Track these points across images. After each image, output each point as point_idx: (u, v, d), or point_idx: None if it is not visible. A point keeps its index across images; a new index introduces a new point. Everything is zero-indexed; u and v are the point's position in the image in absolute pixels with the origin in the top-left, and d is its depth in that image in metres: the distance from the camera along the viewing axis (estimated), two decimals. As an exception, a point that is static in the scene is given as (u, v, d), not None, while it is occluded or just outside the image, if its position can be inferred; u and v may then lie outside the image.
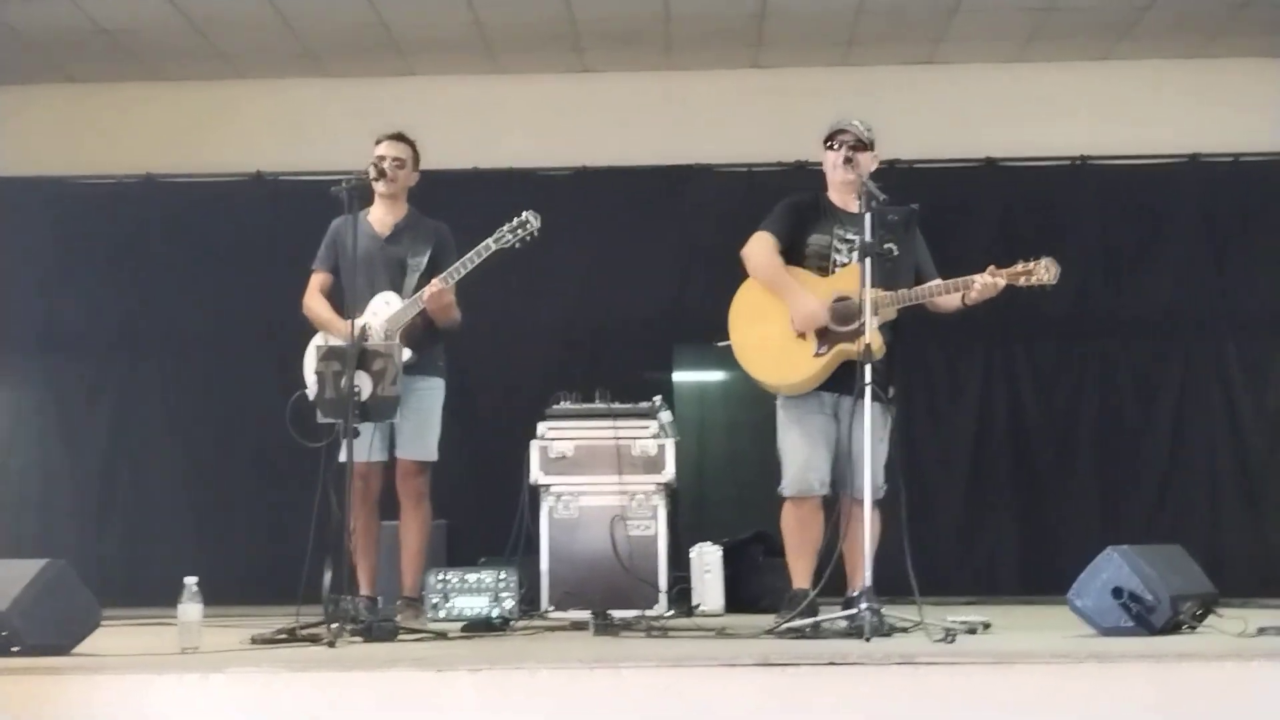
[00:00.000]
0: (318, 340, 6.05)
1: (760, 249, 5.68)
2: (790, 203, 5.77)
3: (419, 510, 6.21)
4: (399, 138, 6.30)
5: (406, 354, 6.02)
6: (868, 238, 5.17)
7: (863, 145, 5.67)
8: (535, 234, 6.04)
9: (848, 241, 5.60)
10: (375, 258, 6.15)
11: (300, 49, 8.30)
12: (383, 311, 6.08)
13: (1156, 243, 8.34)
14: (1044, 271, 5.38)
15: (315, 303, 6.27)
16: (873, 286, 5.20)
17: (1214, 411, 8.23)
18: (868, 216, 5.18)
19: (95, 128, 8.66)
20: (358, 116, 8.36)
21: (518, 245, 6.03)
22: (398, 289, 6.12)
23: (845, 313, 5.48)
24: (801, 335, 5.57)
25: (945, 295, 5.51)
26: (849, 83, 8.49)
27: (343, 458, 5.41)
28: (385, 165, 6.14)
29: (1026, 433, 8.27)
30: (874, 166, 5.69)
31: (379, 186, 6.16)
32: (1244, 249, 8.27)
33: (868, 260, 5.16)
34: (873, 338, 5.18)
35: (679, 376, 8.41)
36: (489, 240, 6.02)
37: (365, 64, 8.52)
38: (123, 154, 8.56)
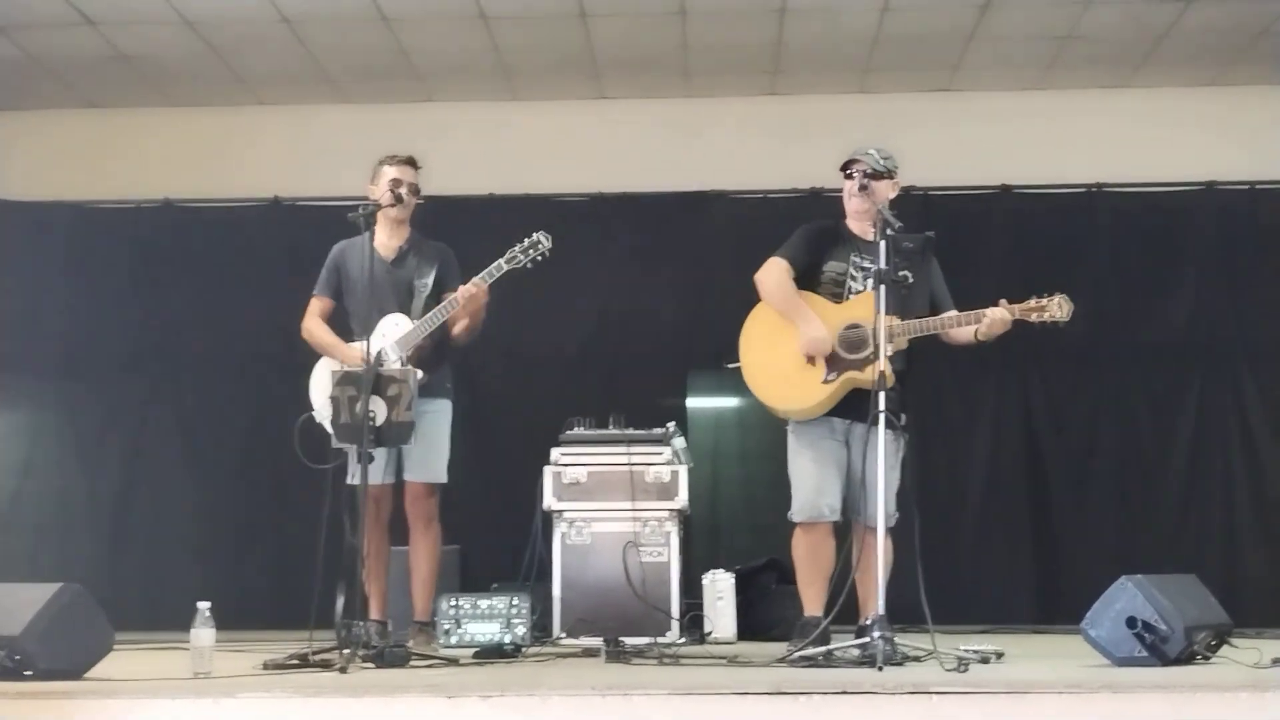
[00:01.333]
0: (330, 365, 6.03)
1: (774, 274, 5.67)
2: (808, 229, 5.77)
3: (429, 533, 6.17)
4: (412, 162, 6.30)
5: (417, 374, 6.06)
6: (883, 265, 5.18)
7: (878, 174, 5.65)
8: (547, 254, 6.03)
9: (864, 269, 5.59)
10: (382, 281, 6.11)
11: (319, 75, 8.35)
12: (392, 333, 6.06)
13: (1172, 270, 8.33)
14: (1057, 308, 5.41)
15: (316, 327, 6.21)
16: (887, 314, 5.20)
17: (1230, 440, 8.21)
18: (883, 244, 5.19)
19: (114, 153, 8.73)
20: (375, 142, 8.31)
21: (529, 265, 6.02)
22: (405, 311, 6.12)
23: (855, 340, 5.47)
24: (811, 361, 5.55)
25: (957, 328, 5.51)
26: (865, 110, 8.52)
27: (354, 481, 5.45)
28: (403, 190, 6.16)
29: (1041, 460, 8.25)
30: (893, 194, 5.68)
31: (394, 211, 6.15)
32: (1259, 276, 8.25)
33: (882, 288, 5.17)
34: (884, 366, 5.16)
35: (693, 402, 8.41)
36: (500, 260, 6.01)
37: (384, 90, 8.57)
38: (142, 179, 8.62)
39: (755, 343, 5.70)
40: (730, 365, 5.75)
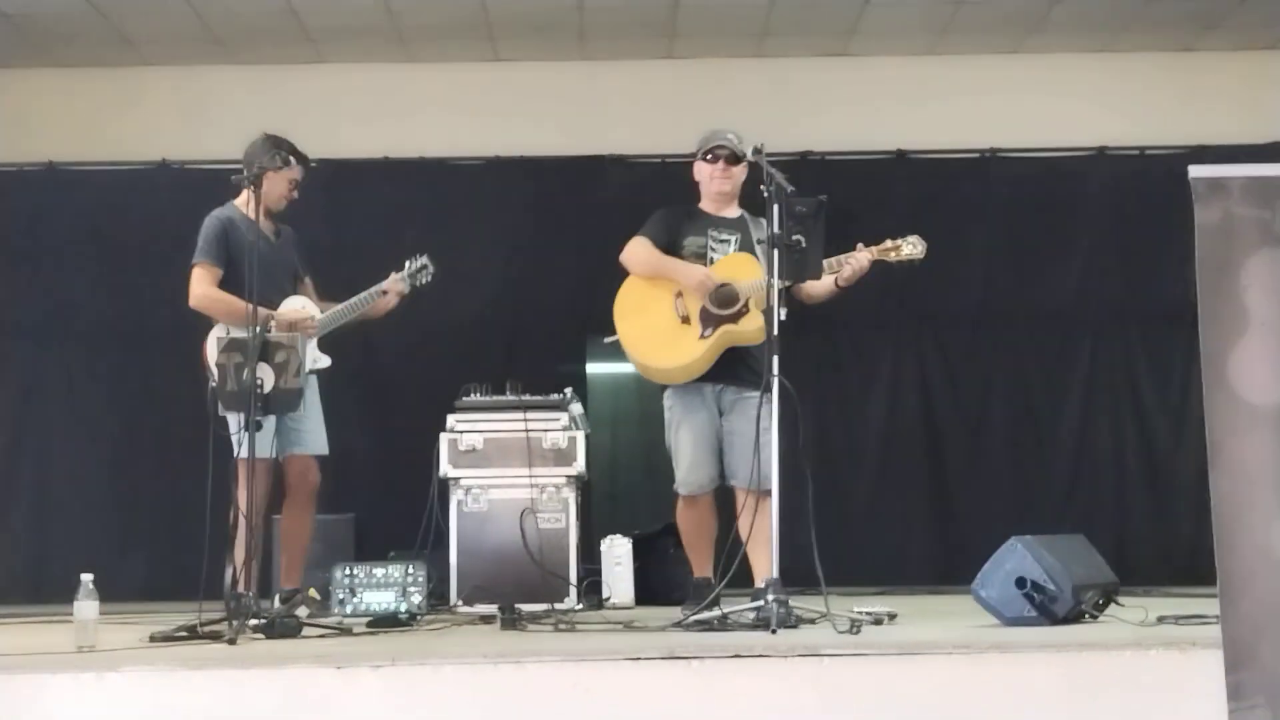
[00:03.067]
0: (218, 332, 5.92)
1: (639, 247, 5.91)
2: (663, 211, 6.00)
3: (311, 506, 6.18)
4: (304, 160, 6.21)
5: (326, 361, 6.11)
6: (776, 229, 5.20)
7: (736, 159, 5.87)
8: (432, 276, 6.30)
9: (723, 242, 5.88)
10: (274, 264, 6.02)
11: (208, 35, 8.16)
12: (301, 313, 6.05)
13: (1064, 235, 8.42)
14: (910, 247, 5.71)
15: (218, 294, 5.97)
16: (781, 278, 5.23)
17: (1121, 402, 8.35)
18: (776, 207, 5.20)
19: (-4, 114, 8.49)
20: (266, 104, 8.28)
21: (419, 285, 6.26)
22: (294, 293, 6.10)
23: (726, 297, 5.71)
24: (685, 320, 5.74)
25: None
26: (762, 74, 8.52)
27: (248, 452, 5.35)
28: (295, 194, 6.12)
29: (936, 423, 8.33)
30: (743, 177, 5.92)
31: (285, 203, 6.11)
32: (1150, 241, 8.33)
33: (775, 252, 5.18)
34: (752, 319, 5.45)
35: (592, 368, 8.38)
36: (400, 281, 6.17)
37: (274, 51, 8.39)
38: (25, 142, 8.37)
39: (629, 312, 5.92)
40: (608, 340, 5.98)
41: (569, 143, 8.42)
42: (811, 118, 8.34)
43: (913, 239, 5.71)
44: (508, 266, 8.41)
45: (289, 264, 6.19)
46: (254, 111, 8.18)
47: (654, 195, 7.80)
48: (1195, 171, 3.73)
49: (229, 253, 5.99)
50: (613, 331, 5.94)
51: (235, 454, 5.39)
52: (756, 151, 5.58)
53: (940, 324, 8.32)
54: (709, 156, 5.91)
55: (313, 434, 6.09)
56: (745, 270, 5.75)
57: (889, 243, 5.70)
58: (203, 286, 5.99)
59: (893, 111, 8.48)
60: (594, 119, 8.50)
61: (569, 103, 8.54)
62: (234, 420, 5.45)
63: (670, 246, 5.89)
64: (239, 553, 5.27)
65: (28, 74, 8.50)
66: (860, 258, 5.66)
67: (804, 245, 5.43)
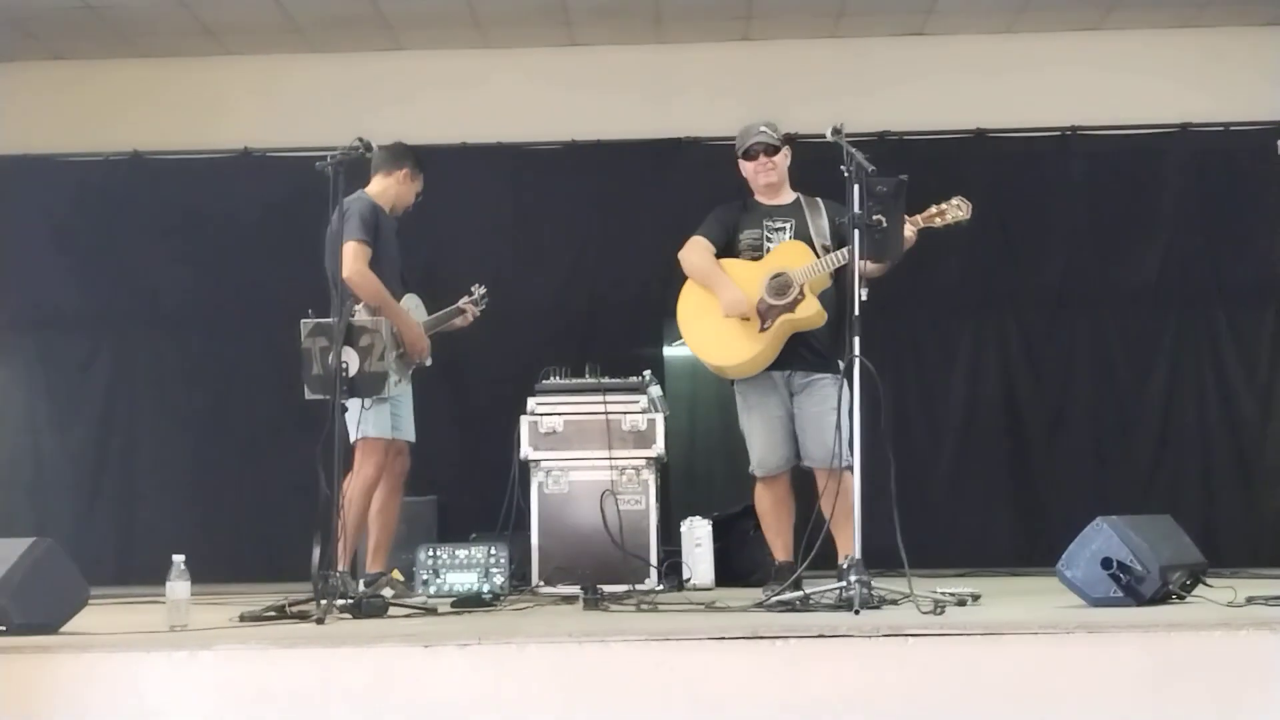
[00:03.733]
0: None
1: (693, 251, 6.02)
2: (719, 209, 6.11)
3: (400, 490, 6.27)
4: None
5: (428, 361, 6.27)
6: (856, 209, 5.17)
7: (774, 148, 5.98)
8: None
9: (778, 230, 5.95)
10: (394, 248, 6.21)
11: (287, 24, 8.25)
12: (416, 314, 6.23)
13: (1146, 213, 8.31)
14: (956, 209, 5.70)
15: (373, 275, 5.97)
16: (862, 259, 5.22)
17: (1205, 382, 8.23)
18: (856, 187, 5.17)
19: (82, 105, 8.61)
20: (345, 92, 8.37)
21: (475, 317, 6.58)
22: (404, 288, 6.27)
23: (781, 286, 5.78)
24: (745, 318, 5.82)
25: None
26: (838, 55, 8.49)
27: (372, 433, 5.75)
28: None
29: (1017, 404, 8.26)
30: (787, 161, 6.02)
31: (402, 208, 6.31)
32: (1234, 218, 8.24)
33: (857, 232, 5.17)
34: (809, 304, 5.52)
35: (670, 351, 8.38)
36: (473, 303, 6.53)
37: (353, 39, 8.47)
38: (110, 131, 8.51)
39: (690, 317, 6.04)
40: (676, 344, 6.14)
41: (645, 126, 8.42)
42: (889, 97, 8.28)
43: (956, 200, 5.69)
44: (585, 250, 8.44)
45: (403, 258, 6.36)
46: (333, 99, 8.32)
47: (730, 177, 7.81)
48: (1285, 144, 3.67)
49: (376, 236, 6.04)
50: (678, 336, 6.12)
51: (354, 436, 5.49)
52: (836, 132, 5.53)
53: (1021, 304, 8.25)
54: (747, 155, 6.00)
55: (406, 420, 6.21)
56: (796, 257, 5.81)
57: (933, 209, 5.69)
58: (360, 264, 5.95)
59: (971, 90, 8.42)
60: (670, 102, 8.50)
61: (645, 86, 8.53)
62: (355, 404, 5.54)
63: (727, 242, 5.99)
64: (342, 533, 5.37)
65: (112, 65, 8.64)
66: (907, 231, 5.61)
67: (885, 225, 5.41)
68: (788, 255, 5.84)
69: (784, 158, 6.03)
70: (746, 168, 6.04)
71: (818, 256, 5.77)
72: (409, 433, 6.24)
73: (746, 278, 5.87)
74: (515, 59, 8.60)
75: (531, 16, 8.24)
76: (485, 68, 8.61)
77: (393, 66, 8.56)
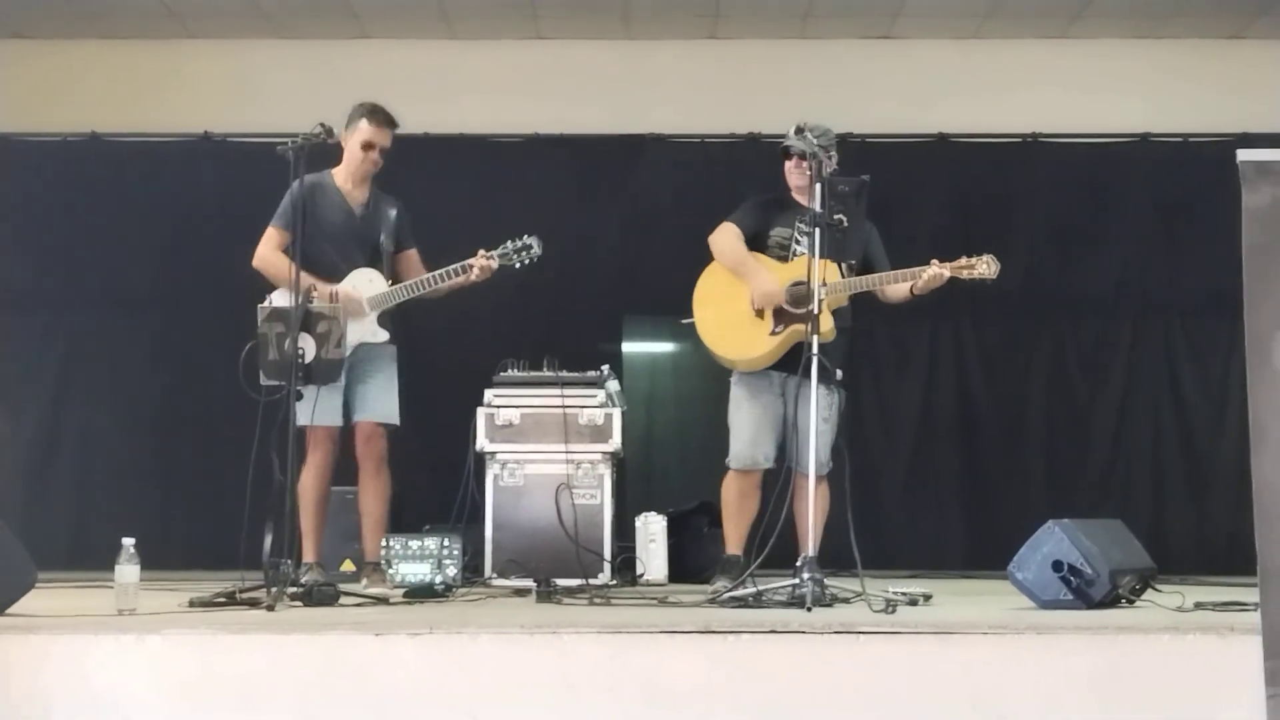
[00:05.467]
0: (283, 298, 5.87)
1: (725, 236, 5.99)
2: (756, 199, 6.11)
3: (380, 475, 6.12)
4: (392, 123, 6.15)
5: (384, 336, 6.08)
6: (817, 208, 5.20)
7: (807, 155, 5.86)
8: (537, 259, 6.12)
9: (807, 233, 5.77)
10: (348, 232, 6.08)
11: (253, 9, 8.20)
12: (365, 288, 6.02)
13: (1106, 221, 8.38)
14: (985, 267, 5.71)
15: (277, 258, 5.97)
16: (822, 257, 5.24)
17: (1159, 390, 8.31)
18: (818, 186, 5.22)
19: (42, 84, 8.53)
20: (310, 79, 8.33)
21: (518, 266, 6.09)
22: (374, 267, 6.07)
23: (800, 296, 5.74)
24: (760, 315, 5.87)
25: (894, 284, 5.80)
26: (804, 56, 8.51)
27: (304, 421, 5.52)
28: (374, 155, 6.08)
29: (973, 408, 8.32)
30: (832, 168, 5.84)
31: (365, 168, 6.09)
32: (1192, 229, 8.30)
33: (817, 230, 5.19)
34: (824, 319, 5.36)
35: (628, 347, 8.39)
36: (495, 255, 6.03)
37: (319, 26, 8.43)
38: (69, 112, 8.44)
39: (708, 299, 6.02)
40: (685, 320, 6.05)
41: (610, 121, 8.43)
42: (854, 100, 8.30)
43: (987, 258, 5.70)
44: (547, 244, 8.34)
45: (370, 236, 6.13)
46: (297, 86, 8.27)
47: (694, 175, 7.86)
48: (1244, 155, 3.72)
49: (305, 218, 5.78)
50: (684, 311, 6.04)
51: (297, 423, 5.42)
52: (799, 131, 5.60)
53: (979, 308, 8.27)
54: (785, 153, 5.98)
55: (377, 401, 6.06)
56: (824, 271, 5.72)
57: (963, 260, 5.71)
58: (265, 247, 6.02)
59: (936, 95, 8.46)
60: (636, 98, 8.50)
61: (611, 82, 8.54)
62: (310, 391, 5.48)
63: (757, 235, 5.99)
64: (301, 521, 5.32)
65: (73, 44, 8.57)
66: (937, 272, 5.69)
67: (846, 224, 5.45)
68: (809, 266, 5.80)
69: (824, 167, 5.90)
70: (786, 165, 6.01)
71: (842, 275, 5.74)
72: (377, 413, 6.06)
73: (769, 277, 5.89)
74: (482, 51, 8.58)
75: (499, 9, 8.22)
76: (452, 59, 8.59)
77: (358, 55, 8.52)
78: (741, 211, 6.06)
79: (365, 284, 6.05)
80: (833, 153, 5.80)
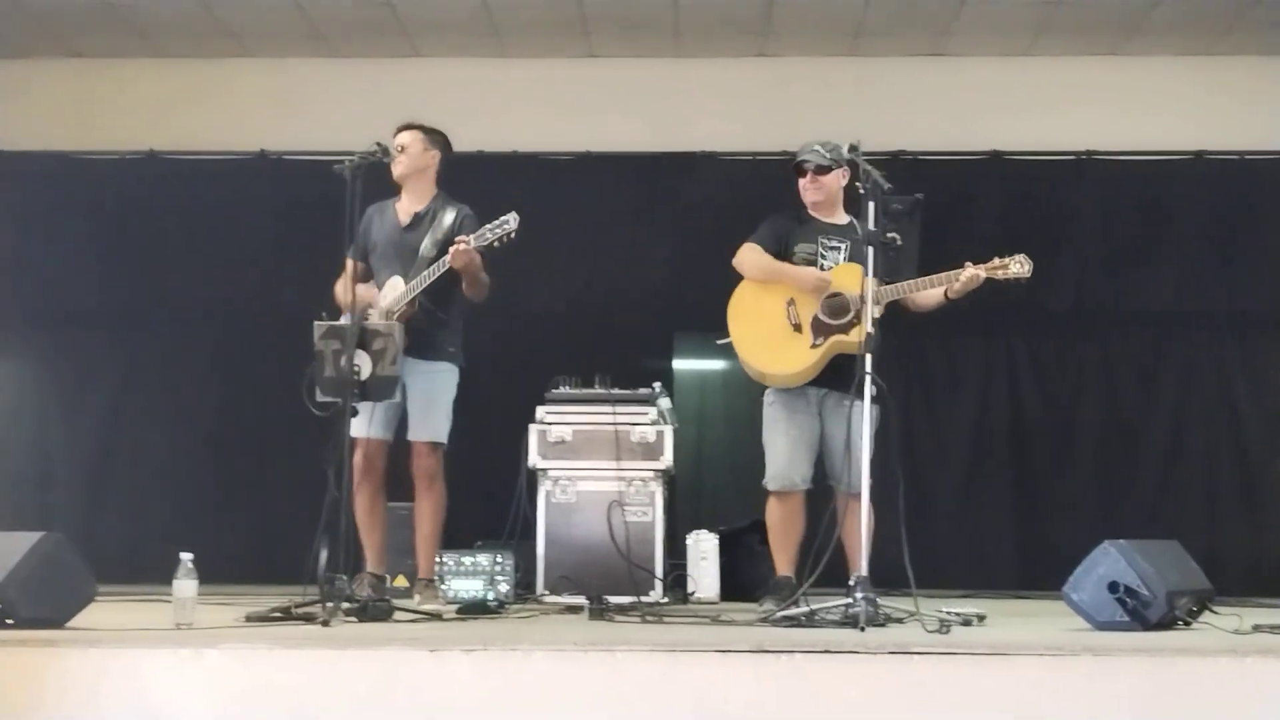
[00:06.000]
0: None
1: (750, 252, 6.00)
2: (774, 218, 6.10)
3: (431, 492, 6.19)
4: (405, 127, 6.31)
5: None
6: (871, 226, 5.20)
7: (825, 168, 5.95)
8: (512, 235, 5.94)
9: (833, 249, 5.96)
10: (393, 246, 6.19)
11: (306, 28, 8.28)
12: (389, 295, 6.08)
13: (1159, 239, 8.32)
14: (1018, 266, 5.69)
15: (340, 287, 6.07)
16: (874, 276, 5.24)
17: (1214, 409, 8.23)
18: (871, 205, 5.20)
19: (100, 103, 8.64)
20: (362, 97, 8.39)
21: (496, 245, 5.96)
22: (405, 275, 6.11)
23: (838, 307, 5.77)
24: (798, 329, 5.84)
25: (929, 289, 5.76)
26: (855, 73, 8.50)
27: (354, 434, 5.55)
28: (401, 156, 6.21)
29: (1026, 427, 8.26)
30: (843, 182, 5.97)
31: (397, 171, 6.23)
32: (1247, 247, 8.25)
33: (870, 249, 5.19)
34: (862, 332, 5.31)
35: (679, 364, 8.40)
36: (471, 239, 5.95)
37: (371, 45, 8.49)
38: (126, 130, 8.54)
39: (742, 316, 6.00)
40: (720, 341, 6.03)
41: (661, 139, 8.45)
42: (905, 118, 8.30)
43: (1020, 257, 5.69)
44: (598, 261, 8.44)
45: (411, 243, 6.19)
46: (350, 104, 8.33)
47: (745, 193, 7.84)
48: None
49: (365, 243, 6.18)
50: (726, 334, 6.02)
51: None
52: (853, 149, 5.58)
53: (1031, 327, 8.24)
54: (798, 170, 6.02)
55: (420, 420, 6.15)
56: (855, 281, 5.70)
57: (996, 261, 5.70)
58: (339, 282, 6.14)
59: (987, 113, 8.43)
60: (686, 116, 8.51)
61: (661, 99, 8.55)
62: (365, 407, 5.55)
63: (780, 252, 5.98)
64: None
65: (129, 63, 8.67)
66: (974, 274, 5.68)
67: (899, 243, 5.45)
68: (845, 277, 5.81)
69: (835, 179, 5.99)
70: (799, 183, 6.04)
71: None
72: (418, 433, 6.15)
73: (810, 270, 5.90)
74: (533, 69, 8.62)
75: (550, 27, 8.26)
76: (502, 77, 8.63)
77: (410, 73, 8.57)
78: (760, 231, 6.05)
79: (390, 291, 6.11)
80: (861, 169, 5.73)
